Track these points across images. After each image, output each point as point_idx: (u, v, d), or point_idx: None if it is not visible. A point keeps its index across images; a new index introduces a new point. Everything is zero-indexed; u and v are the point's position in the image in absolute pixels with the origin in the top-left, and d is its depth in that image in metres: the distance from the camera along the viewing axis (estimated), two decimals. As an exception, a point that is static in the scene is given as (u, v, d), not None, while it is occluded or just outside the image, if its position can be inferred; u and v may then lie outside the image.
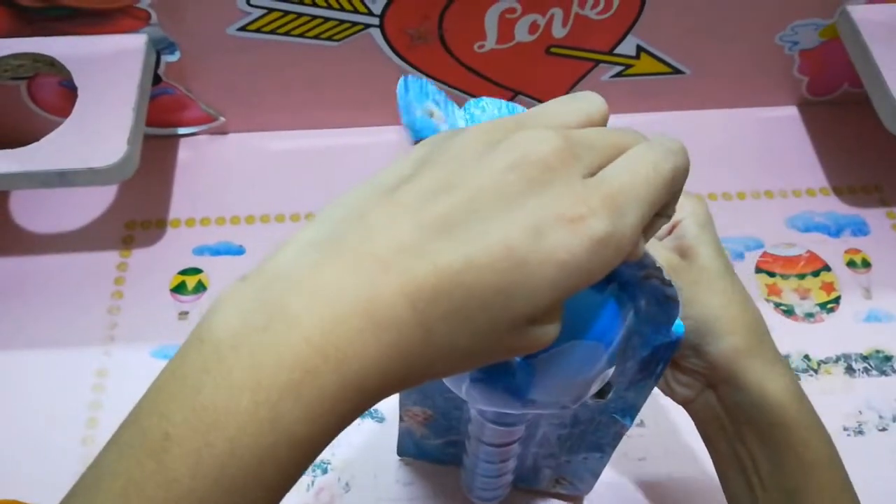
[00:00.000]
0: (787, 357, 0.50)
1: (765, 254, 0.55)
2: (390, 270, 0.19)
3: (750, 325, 0.33)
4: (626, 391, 0.33)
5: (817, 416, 0.34)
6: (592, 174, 0.21)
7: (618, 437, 0.37)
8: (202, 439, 0.18)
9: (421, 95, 0.28)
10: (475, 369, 0.27)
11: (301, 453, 0.19)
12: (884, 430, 0.47)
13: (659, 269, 0.28)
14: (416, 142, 0.28)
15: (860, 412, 0.48)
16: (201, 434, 0.18)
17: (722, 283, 0.34)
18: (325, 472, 0.46)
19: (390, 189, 0.21)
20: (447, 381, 0.30)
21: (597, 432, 0.37)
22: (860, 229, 0.56)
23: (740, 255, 0.55)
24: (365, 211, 0.21)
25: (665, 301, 0.29)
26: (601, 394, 0.30)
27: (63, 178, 0.48)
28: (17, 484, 0.45)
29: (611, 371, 0.29)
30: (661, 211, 0.23)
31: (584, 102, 0.23)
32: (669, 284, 0.28)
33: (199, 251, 0.55)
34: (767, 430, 0.33)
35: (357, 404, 0.20)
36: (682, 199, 0.34)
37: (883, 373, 0.49)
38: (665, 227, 0.35)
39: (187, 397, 0.19)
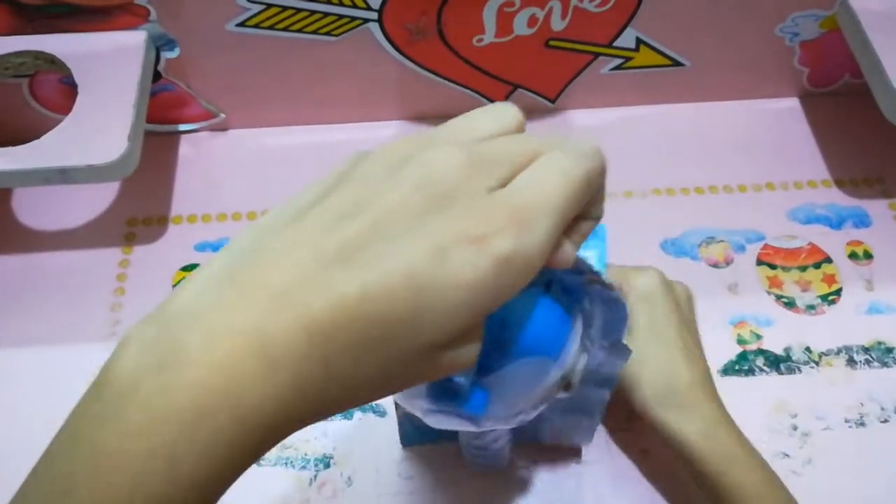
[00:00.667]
0: (787, 349, 0.50)
1: (766, 246, 0.55)
2: (286, 305, 0.19)
3: (662, 381, 0.40)
4: (599, 368, 0.34)
5: (744, 449, 0.39)
6: (502, 186, 0.20)
7: (602, 403, 0.38)
8: (105, 484, 0.18)
9: None
10: (428, 400, 0.27)
11: (203, 495, 0.19)
12: (885, 421, 0.47)
13: (598, 273, 0.28)
14: None
15: (862, 404, 0.48)
16: (104, 480, 0.18)
17: (641, 344, 0.40)
18: (327, 466, 0.46)
19: (298, 214, 0.21)
20: (404, 404, 0.30)
21: (582, 401, 0.38)
22: (862, 221, 0.56)
23: (741, 248, 0.55)
24: (267, 241, 0.20)
25: (612, 302, 0.29)
26: (567, 388, 0.30)
27: (64, 176, 0.48)
28: (16, 484, 0.46)
29: (573, 370, 0.29)
30: (584, 214, 0.22)
31: (496, 113, 0.23)
32: (611, 288, 0.28)
33: (201, 247, 0.55)
34: (688, 467, 0.40)
35: (259, 442, 0.19)
36: (633, 273, 0.42)
37: (885, 364, 0.49)
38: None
39: (89, 443, 0.19)
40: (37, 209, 0.57)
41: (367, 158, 0.22)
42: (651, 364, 0.40)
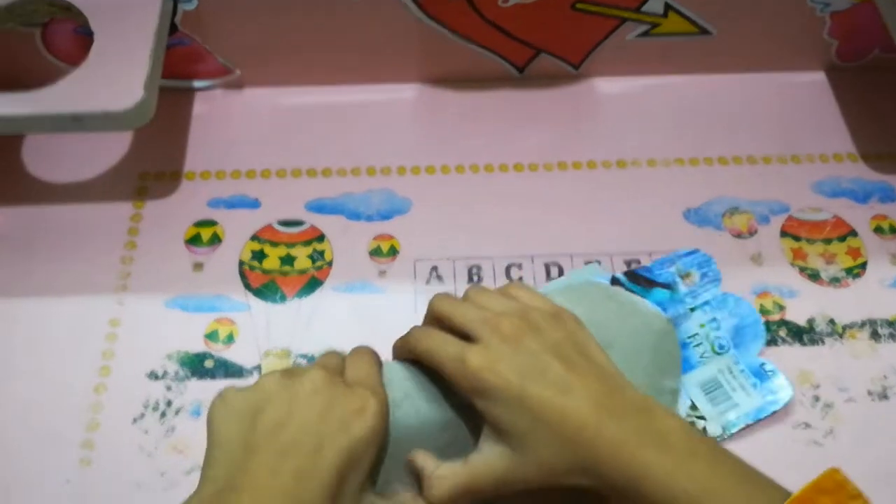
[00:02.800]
0: (811, 321, 0.49)
1: (790, 218, 0.54)
2: None
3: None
4: None
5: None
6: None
7: None
8: None
9: None
10: None
11: None
12: (909, 395, 0.46)
13: None
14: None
15: (885, 377, 0.47)
16: None
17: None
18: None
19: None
20: None
21: None
22: (888, 195, 0.55)
23: (765, 219, 0.54)
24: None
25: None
26: None
27: (78, 122, 0.47)
28: (32, 431, 0.45)
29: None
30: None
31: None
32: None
33: (214, 204, 0.54)
34: None
35: None
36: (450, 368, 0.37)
37: (909, 339, 0.48)
38: None
39: None
40: (47, 161, 0.56)
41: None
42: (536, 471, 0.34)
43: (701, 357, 0.45)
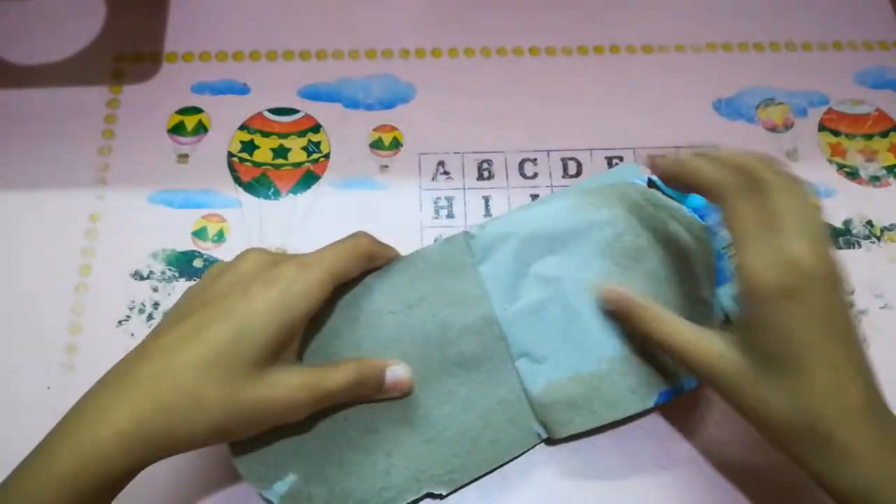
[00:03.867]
0: (847, 222, 0.46)
1: (829, 111, 0.49)
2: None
3: (808, 411, 0.30)
4: None
5: None
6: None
7: None
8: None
9: None
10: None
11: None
12: (949, 302, 0.43)
13: None
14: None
15: (925, 283, 0.44)
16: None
17: (780, 355, 0.30)
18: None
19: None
20: None
21: None
22: (936, 87, 0.50)
23: (803, 112, 0.49)
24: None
25: None
26: None
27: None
28: (9, 335, 0.42)
29: None
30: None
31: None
32: None
33: (199, 89, 0.49)
34: None
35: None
36: (750, 261, 0.31)
37: (951, 243, 0.45)
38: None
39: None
40: (14, 41, 0.51)
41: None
42: (787, 396, 0.30)
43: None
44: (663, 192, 0.42)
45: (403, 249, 0.44)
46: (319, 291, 0.34)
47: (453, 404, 0.38)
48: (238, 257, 0.35)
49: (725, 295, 0.40)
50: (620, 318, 0.37)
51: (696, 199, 0.42)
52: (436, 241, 0.44)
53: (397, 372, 0.37)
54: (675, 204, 0.42)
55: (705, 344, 0.33)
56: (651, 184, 0.43)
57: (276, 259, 0.35)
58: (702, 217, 0.42)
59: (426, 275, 0.39)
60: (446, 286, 0.39)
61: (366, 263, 0.38)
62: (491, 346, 0.39)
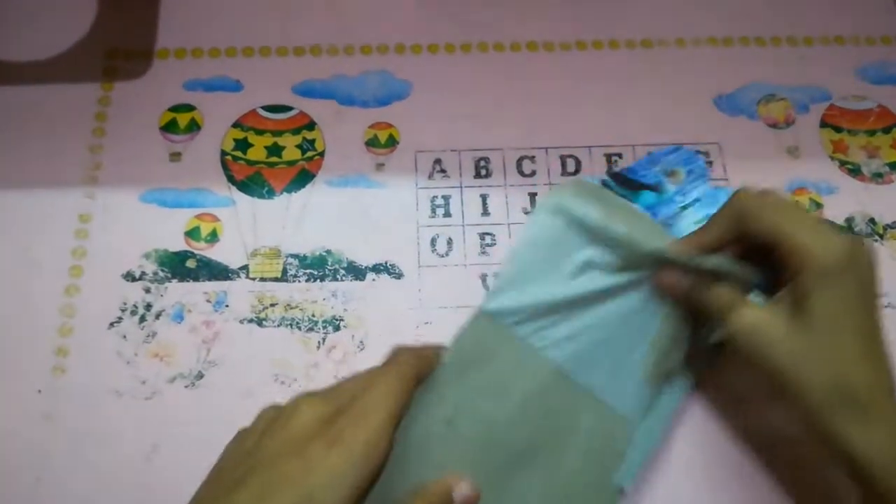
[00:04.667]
0: (849, 219, 0.45)
1: (832, 106, 0.48)
2: None
3: (838, 382, 0.32)
4: None
5: None
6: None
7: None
8: None
9: None
10: None
11: None
12: (953, 301, 0.43)
13: None
14: None
15: (928, 281, 0.43)
16: None
17: (816, 331, 0.32)
18: (336, 328, 0.41)
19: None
20: None
21: None
22: (939, 83, 0.50)
23: (804, 108, 0.48)
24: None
25: None
26: None
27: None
28: (-5, 334, 0.41)
29: None
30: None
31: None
32: None
33: (191, 86, 0.48)
34: (867, 490, 0.32)
35: None
36: (809, 241, 0.33)
37: (954, 240, 0.44)
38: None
39: None
40: (2, 37, 0.50)
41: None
42: (824, 358, 0.32)
43: None
44: (616, 193, 0.42)
45: (398, 249, 0.44)
46: (384, 443, 0.30)
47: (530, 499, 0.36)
48: (291, 409, 0.31)
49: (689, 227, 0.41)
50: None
51: (648, 197, 0.42)
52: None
53: (463, 489, 0.33)
54: (628, 203, 0.42)
55: (749, 305, 0.34)
56: (604, 185, 0.43)
57: (330, 409, 0.31)
58: (654, 215, 0.42)
59: (450, 380, 0.36)
60: (475, 381, 0.37)
61: (415, 388, 0.34)
62: (551, 404, 0.37)
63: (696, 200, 0.44)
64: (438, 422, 0.35)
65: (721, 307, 0.35)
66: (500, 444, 0.35)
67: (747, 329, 0.34)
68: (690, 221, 0.43)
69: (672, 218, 0.43)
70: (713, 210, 0.37)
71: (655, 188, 0.44)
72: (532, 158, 0.46)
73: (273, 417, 0.32)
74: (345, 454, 0.29)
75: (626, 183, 0.44)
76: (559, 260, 0.38)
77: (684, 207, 0.43)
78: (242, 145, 0.46)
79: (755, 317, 0.34)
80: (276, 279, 0.43)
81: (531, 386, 0.37)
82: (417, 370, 0.34)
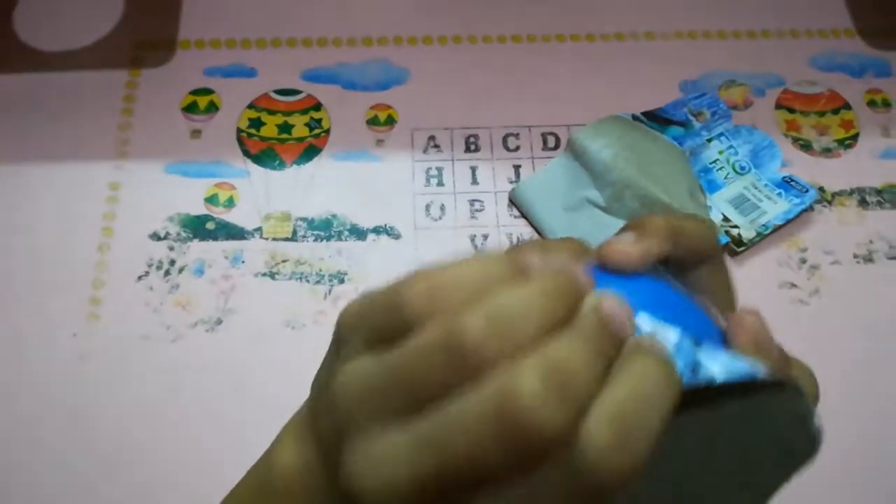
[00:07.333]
0: (802, 189, 0.50)
1: (786, 91, 0.54)
2: None
3: None
4: None
5: None
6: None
7: None
8: None
9: None
10: None
11: None
12: (893, 258, 0.48)
13: None
14: None
15: (871, 241, 0.48)
16: None
17: None
18: (341, 281, 0.46)
19: None
20: None
21: None
22: (883, 70, 0.55)
23: (761, 92, 0.54)
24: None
25: None
26: None
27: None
28: (38, 288, 0.46)
29: None
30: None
31: None
32: None
33: (211, 72, 0.54)
34: None
35: None
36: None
37: (896, 207, 0.50)
38: None
39: None
40: (39, 29, 0.55)
41: None
42: None
43: (725, 178, 0.50)
44: (646, 125, 0.50)
45: (397, 213, 0.49)
46: None
47: None
48: None
49: (720, 200, 0.48)
50: None
51: (675, 130, 0.51)
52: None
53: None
54: (658, 132, 0.50)
55: None
56: (636, 118, 0.51)
57: None
58: (681, 144, 0.50)
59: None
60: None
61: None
62: None
63: (721, 134, 0.51)
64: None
65: None
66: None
67: None
68: (715, 150, 0.50)
69: (699, 148, 0.50)
70: (737, 142, 0.48)
71: (683, 124, 0.51)
72: (516, 135, 0.52)
73: None
74: None
75: (656, 119, 0.51)
76: (564, 191, 0.47)
77: (710, 139, 0.51)
78: (256, 124, 0.52)
79: None
80: (286, 239, 0.48)
81: None
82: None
